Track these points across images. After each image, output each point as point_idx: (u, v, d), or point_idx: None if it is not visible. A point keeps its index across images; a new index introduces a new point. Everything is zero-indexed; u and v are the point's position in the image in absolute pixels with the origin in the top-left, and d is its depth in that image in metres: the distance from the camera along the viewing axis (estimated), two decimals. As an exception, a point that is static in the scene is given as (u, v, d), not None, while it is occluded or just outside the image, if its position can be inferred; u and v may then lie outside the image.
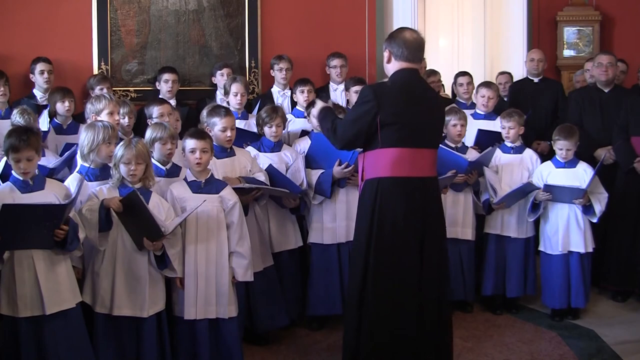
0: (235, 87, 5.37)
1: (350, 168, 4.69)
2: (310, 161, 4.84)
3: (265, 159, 4.88)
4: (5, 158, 4.23)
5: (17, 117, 4.58)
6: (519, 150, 5.36)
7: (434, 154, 3.87)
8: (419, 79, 3.95)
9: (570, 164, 5.16)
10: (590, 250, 5.17)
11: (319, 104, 4.20)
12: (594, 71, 6.09)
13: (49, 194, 3.63)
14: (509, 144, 5.36)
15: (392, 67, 3.86)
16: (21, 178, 3.59)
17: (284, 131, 5.12)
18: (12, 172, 3.63)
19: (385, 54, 3.87)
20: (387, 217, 3.70)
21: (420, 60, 3.90)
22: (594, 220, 5.12)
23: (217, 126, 4.53)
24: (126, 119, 4.83)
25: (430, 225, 3.77)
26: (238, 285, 4.26)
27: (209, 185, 4.15)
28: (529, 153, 5.41)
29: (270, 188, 4.54)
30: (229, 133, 4.54)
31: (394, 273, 3.69)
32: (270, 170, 4.65)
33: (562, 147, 5.14)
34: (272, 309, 4.72)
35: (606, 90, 5.99)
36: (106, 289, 3.84)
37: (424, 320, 3.71)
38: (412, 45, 3.80)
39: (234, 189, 4.24)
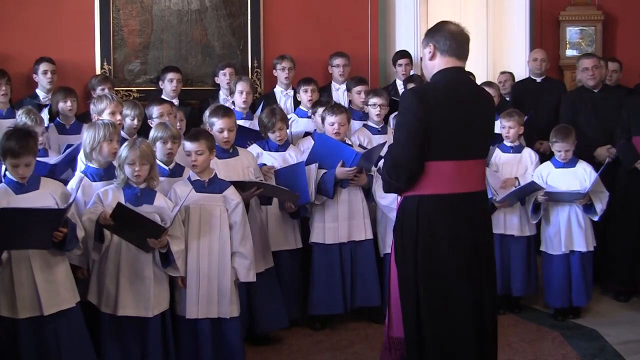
0: (240, 86, 5.37)
1: (353, 169, 4.68)
2: (312, 161, 4.83)
3: (269, 158, 4.90)
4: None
5: (22, 118, 4.58)
6: (518, 150, 5.37)
7: (483, 165, 3.42)
8: (468, 79, 3.48)
9: (570, 163, 5.17)
10: (591, 249, 5.17)
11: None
12: (580, 76, 6.11)
13: (44, 194, 3.59)
14: (508, 144, 5.36)
15: (436, 64, 3.33)
16: (17, 181, 3.55)
17: (287, 131, 5.12)
18: (7, 173, 3.58)
19: (428, 50, 3.33)
20: (432, 240, 3.23)
21: (467, 56, 3.37)
22: (595, 219, 5.12)
23: (215, 126, 4.54)
24: (135, 121, 4.80)
25: (480, 244, 3.33)
26: (239, 285, 4.26)
27: (212, 185, 4.16)
28: (527, 152, 5.42)
29: (272, 185, 4.52)
30: (225, 134, 4.53)
31: (447, 300, 3.26)
32: (297, 168, 4.66)
33: (560, 148, 5.15)
34: (272, 310, 4.71)
35: (595, 91, 6.00)
36: (110, 289, 3.84)
37: (482, 339, 3.33)
38: (459, 38, 3.31)
39: (234, 185, 4.25)
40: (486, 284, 3.34)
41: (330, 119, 4.89)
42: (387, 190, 3.50)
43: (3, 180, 3.62)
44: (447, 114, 3.20)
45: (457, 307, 3.26)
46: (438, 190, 3.23)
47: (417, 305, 3.27)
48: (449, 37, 3.29)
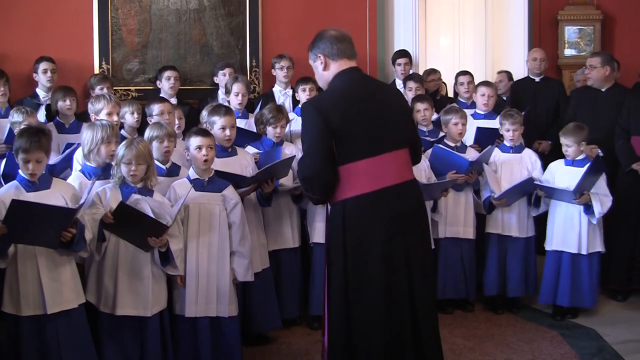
0: (236, 87, 5.36)
1: None
2: None
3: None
4: (5, 159, 4.26)
5: (14, 116, 4.61)
6: (518, 150, 5.36)
7: (404, 154, 3.39)
8: (363, 76, 3.49)
9: (579, 162, 5.13)
10: (583, 252, 5.09)
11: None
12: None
13: (55, 194, 3.62)
14: (508, 144, 5.35)
15: (331, 71, 3.39)
16: (28, 178, 3.59)
17: (286, 130, 5.12)
18: (19, 171, 3.63)
19: (319, 62, 3.41)
20: (360, 242, 3.27)
21: (355, 55, 3.44)
22: (593, 222, 5.08)
23: (216, 125, 4.53)
24: (135, 115, 4.77)
25: (410, 236, 3.34)
26: (235, 285, 4.27)
27: (212, 184, 4.17)
28: (528, 153, 5.40)
29: (266, 167, 4.49)
30: (228, 132, 4.54)
31: (378, 300, 3.28)
32: (275, 150, 4.73)
33: (566, 146, 5.13)
34: (267, 311, 4.71)
35: (603, 90, 5.99)
36: (109, 289, 3.84)
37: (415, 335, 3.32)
38: (343, 39, 3.39)
39: (232, 180, 4.26)
40: (419, 275, 3.33)
41: None
42: (315, 203, 3.61)
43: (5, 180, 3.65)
44: (348, 115, 3.24)
45: (391, 302, 3.27)
46: (360, 191, 3.26)
47: (345, 308, 3.29)
48: (334, 41, 3.37)
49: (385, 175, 3.29)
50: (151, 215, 3.76)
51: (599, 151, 5.60)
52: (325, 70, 3.42)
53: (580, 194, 4.97)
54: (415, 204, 3.43)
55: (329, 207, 3.41)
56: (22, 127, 3.88)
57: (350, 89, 3.34)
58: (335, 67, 3.38)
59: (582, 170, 5.03)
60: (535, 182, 5.07)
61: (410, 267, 3.32)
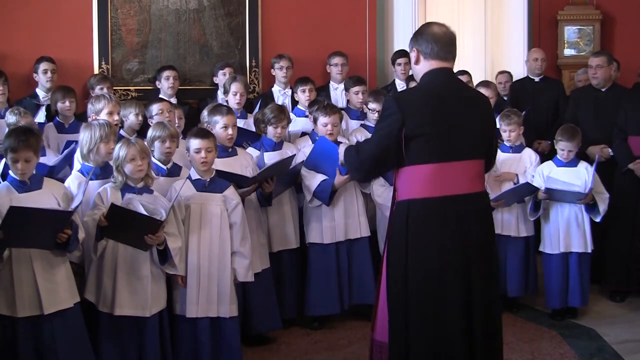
0: (234, 87, 5.36)
1: (348, 176, 4.66)
2: (311, 165, 4.79)
3: (266, 158, 4.88)
4: (4, 159, 4.27)
5: (9, 117, 4.62)
6: (517, 150, 5.36)
7: (478, 166, 3.32)
8: (454, 79, 3.43)
9: (571, 163, 5.16)
10: (588, 251, 5.15)
11: (343, 146, 3.73)
12: (588, 74, 6.14)
13: (47, 194, 3.63)
14: (506, 144, 5.35)
15: (421, 68, 3.32)
16: (18, 178, 3.59)
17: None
18: (9, 172, 3.63)
19: (413, 55, 3.34)
20: (421, 246, 3.21)
21: (453, 57, 3.35)
22: (597, 220, 5.10)
23: (218, 124, 4.53)
24: (140, 117, 4.77)
25: (473, 247, 3.25)
26: (235, 285, 4.27)
27: (213, 184, 4.17)
28: (528, 152, 5.40)
29: (266, 168, 4.49)
30: (230, 131, 4.54)
31: (435, 304, 3.20)
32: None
33: (563, 147, 5.14)
34: (267, 312, 4.70)
35: (603, 90, 6.00)
36: (108, 288, 3.84)
37: (473, 344, 3.23)
38: (442, 40, 3.27)
39: (233, 180, 4.26)
40: (479, 287, 3.25)
41: (323, 119, 4.87)
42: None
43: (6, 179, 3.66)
44: (425, 117, 3.18)
45: (445, 311, 3.20)
46: (426, 194, 3.21)
47: (405, 309, 3.23)
48: (432, 41, 3.27)
49: (453, 183, 3.22)
50: (144, 212, 3.75)
51: (610, 150, 5.63)
52: (416, 65, 3.36)
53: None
54: (480, 216, 3.35)
55: (394, 205, 3.37)
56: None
57: (435, 90, 3.27)
58: (426, 65, 3.31)
59: (577, 170, 5.10)
60: (547, 187, 5.03)
61: (470, 280, 3.23)
